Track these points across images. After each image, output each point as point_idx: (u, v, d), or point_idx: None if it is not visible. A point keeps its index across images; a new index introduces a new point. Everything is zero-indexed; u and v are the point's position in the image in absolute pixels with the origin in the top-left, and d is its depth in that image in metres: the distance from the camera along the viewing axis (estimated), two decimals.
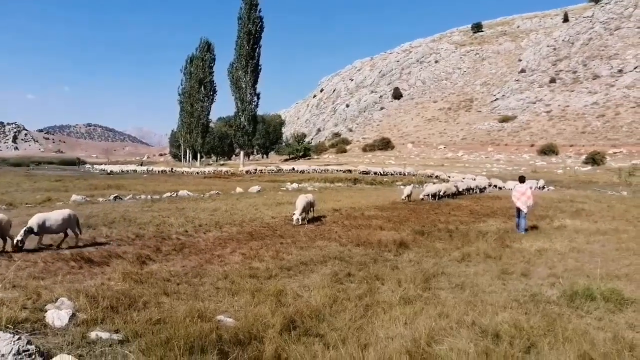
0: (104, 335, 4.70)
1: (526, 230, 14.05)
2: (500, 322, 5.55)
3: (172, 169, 62.81)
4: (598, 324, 5.91)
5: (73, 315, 5.17)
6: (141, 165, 68.98)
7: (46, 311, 5.28)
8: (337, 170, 55.96)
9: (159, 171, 60.74)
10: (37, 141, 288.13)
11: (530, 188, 15.63)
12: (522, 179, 15.41)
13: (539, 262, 9.78)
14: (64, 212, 10.51)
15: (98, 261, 8.80)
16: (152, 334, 4.73)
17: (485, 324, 5.45)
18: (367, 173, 52.80)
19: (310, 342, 4.82)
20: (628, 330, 5.64)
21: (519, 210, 14.24)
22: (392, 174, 51.60)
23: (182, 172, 59.55)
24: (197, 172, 58.80)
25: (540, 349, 4.80)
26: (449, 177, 40.29)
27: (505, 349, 4.62)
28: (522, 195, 14.19)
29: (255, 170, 59.05)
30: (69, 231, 10.62)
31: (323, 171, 56.33)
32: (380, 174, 51.65)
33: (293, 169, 60.12)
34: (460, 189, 28.01)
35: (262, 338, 4.79)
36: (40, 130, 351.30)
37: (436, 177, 44.83)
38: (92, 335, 4.70)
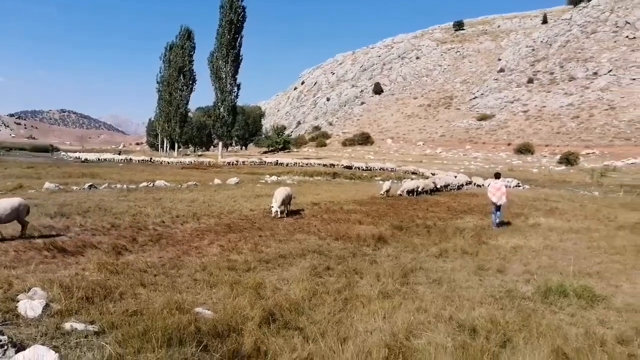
0: (79, 326, 4.60)
1: (498, 225, 14.51)
2: (477, 317, 5.65)
3: (151, 158, 61.73)
4: (571, 319, 6.06)
5: (47, 306, 5.05)
6: (119, 154, 67.47)
7: (18, 301, 5.14)
8: (318, 164, 55.91)
9: (138, 160, 59.63)
10: (7, 126, 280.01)
11: (506, 186, 16.24)
12: (497, 176, 16.03)
13: (514, 259, 9.98)
14: (14, 201, 9.87)
15: (72, 251, 8.61)
16: (129, 326, 4.66)
17: (463, 319, 5.54)
18: (350, 167, 52.94)
19: (290, 335, 4.82)
20: (599, 326, 5.81)
21: (495, 205, 14.76)
22: (375, 169, 51.86)
23: (160, 162, 58.71)
24: (175, 162, 58.08)
25: (515, 344, 4.90)
26: (432, 174, 40.64)
27: (482, 344, 4.70)
28: (497, 191, 14.82)
29: (237, 162, 58.67)
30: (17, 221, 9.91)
31: (306, 165, 56.27)
32: (363, 169, 51.87)
33: (277, 161, 59.72)
34: (439, 186, 28.36)
35: (241, 330, 4.77)
36: (12, 115, 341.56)
37: (420, 173, 45.21)
38: (67, 326, 4.60)
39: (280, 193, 14.86)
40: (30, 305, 4.97)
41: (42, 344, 3.89)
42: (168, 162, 58.01)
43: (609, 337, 5.32)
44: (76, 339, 4.30)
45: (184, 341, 4.36)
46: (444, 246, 10.89)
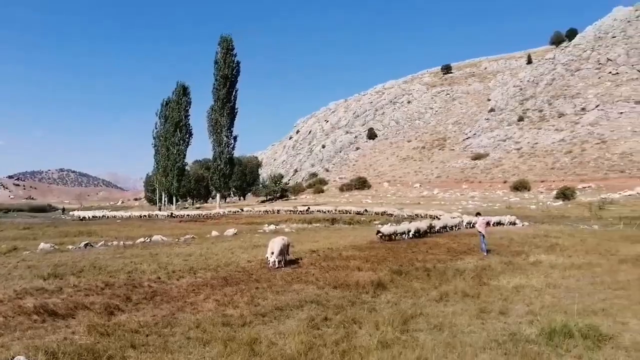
0: None
1: (488, 251, 17.84)
2: None
3: (148, 214, 61.56)
4: None
5: None
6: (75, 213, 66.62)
7: None
8: (318, 211, 55.67)
9: (140, 216, 59.49)
10: (6, 188, 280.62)
11: (489, 223, 22.74)
12: (478, 214, 21.70)
13: (516, 299, 9.74)
14: None
15: (63, 313, 8.36)
16: None
17: None
18: (348, 212, 52.66)
19: None
20: None
21: (482, 235, 18.35)
22: (373, 213, 51.58)
23: (157, 216, 58.61)
24: (173, 216, 57.90)
25: None
26: (438, 216, 39.57)
27: None
28: (481, 224, 18.72)
29: (235, 211, 58.51)
30: None
31: (305, 212, 56.15)
32: (361, 213, 51.61)
33: (278, 211, 59.53)
34: (437, 228, 28.20)
35: None
36: (10, 177, 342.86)
37: (422, 215, 44.50)
38: None
39: (276, 243, 14.68)
40: None
41: None
42: (165, 216, 57.89)
43: None
44: None
45: None
46: (444, 289, 10.65)
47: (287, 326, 7.55)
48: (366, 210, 53.10)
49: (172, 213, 60.92)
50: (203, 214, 60.39)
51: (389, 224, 31.48)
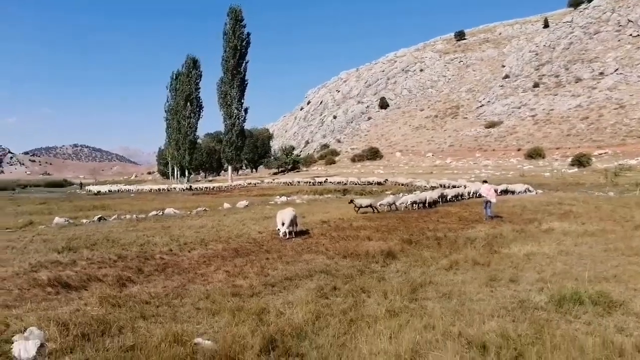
0: None
1: (492, 217, 18.53)
2: (487, 332, 5.41)
3: (167, 188, 61.88)
4: (587, 328, 5.78)
5: (42, 346, 4.92)
6: (80, 187, 67.37)
7: (12, 343, 5.03)
8: (331, 182, 55.80)
9: (158, 189, 59.87)
10: (23, 164, 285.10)
11: (496, 190, 22.27)
12: (484, 182, 21.60)
13: (527, 267, 9.68)
14: None
15: (76, 285, 8.53)
16: None
17: (472, 335, 5.30)
18: (359, 184, 52.67)
19: None
20: (617, 334, 5.52)
21: (487, 202, 19.10)
22: (385, 184, 51.46)
23: (170, 189, 59.15)
24: (191, 189, 58.43)
25: (527, 359, 4.65)
26: (458, 185, 38.81)
27: None
28: (488, 192, 19.28)
29: (247, 184, 58.81)
30: None
31: (317, 183, 56.35)
32: (375, 184, 51.56)
33: (287, 181, 59.77)
34: (449, 197, 28.05)
35: None
36: (26, 153, 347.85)
37: (438, 185, 44.09)
38: None
39: (286, 214, 14.72)
40: (24, 347, 4.84)
41: None
42: (183, 189, 58.38)
43: (627, 346, 5.04)
44: None
45: None
46: (454, 258, 10.61)
47: (295, 296, 7.60)
48: (384, 181, 53.00)
49: (190, 186, 61.35)
50: (215, 186, 60.87)
51: (401, 193, 31.38)
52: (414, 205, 23.89)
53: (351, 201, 22.91)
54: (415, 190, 33.93)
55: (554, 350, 4.82)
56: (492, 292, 7.72)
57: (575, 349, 4.86)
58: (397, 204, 23.81)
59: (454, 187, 34.71)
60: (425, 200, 24.53)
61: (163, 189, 59.90)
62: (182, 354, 4.64)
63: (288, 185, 58.78)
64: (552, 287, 7.72)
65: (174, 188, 60.03)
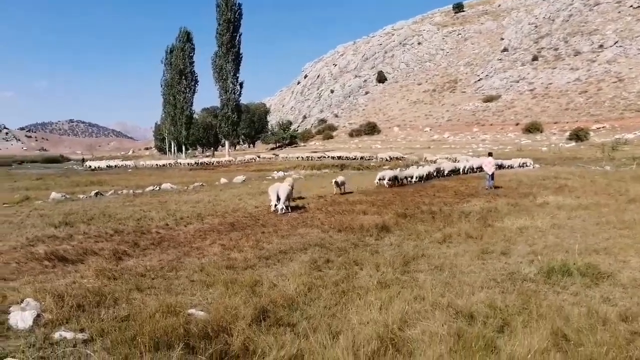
0: (68, 335, 4.56)
1: (492, 187, 20.11)
2: (476, 303, 5.53)
3: (169, 163, 61.43)
4: (574, 299, 5.91)
5: (38, 316, 5.02)
6: (83, 161, 66.80)
7: (9, 313, 5.12)
8: (329, 157, 55.90)
9: (163, 165, 59.29)
10: (19, 140, 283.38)
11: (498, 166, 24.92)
12: (490, 154, 22.69)
13: (519, 240, 9.80)
14: None
15: (73, 259, 8.61)
16: (119, 332, 4.61)
17: (460, 305, 5.41)
18: (356, 158, 52.73)
19: (281, 332, 4.74)
20: (603, 304, 5.64)
21: (489, 174, 20.71)
22: (382, 158, 51.52)
23: (179, 164, 58.96)
24: (183, 164, 58.36)
25: (513, 328, 4.77)
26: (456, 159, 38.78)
27: (478, 330, 4.58)
28: (489, 164, 20.98)
29: (245, 159, 58.78)
30: None
31: (315, 158, 56.46)
32: (370, 159, 51.65)
33: (284, 157, 59.80)
34: (447, 171, 28.17)
35: (230, 330, 4.70)
36: (22, 129, 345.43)
37: (431, 161, 43.98)
38: (56, 335, 4.56)
39: (282, 189, 14.77)
40: (21, 317, 4.94)
41: (27, 356, 3.84)
42: (187, 164, 58.22)
43: (612, 315, 5.17)
44: (63, 348, 4.26)
45: (172, 344, 4.30)
46: (448, 231, 10.72)
47: (289, 268, 7.71)
48: (375, 156, 52.99)
49: (197, 161, 60.97)
50: (213, 161, 60.82)
51: (399, 168, 31.42)
52: (421, 180, 24.20)
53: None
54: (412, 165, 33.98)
55: (540, 319, 4.93)
56: (483, 265, 7.84)
57: (560, 318, 4.98)
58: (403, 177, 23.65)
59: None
60: (425, 174, 24.88)
61: (167, 164, 59.50)
62: (176, 323, 4.73)
63: (285, 160, 58.81)
64: (542, 259, 7.84)
65: (179, 163, 59.80)
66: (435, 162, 34.43)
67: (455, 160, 35.89)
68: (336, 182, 19.52)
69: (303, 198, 18.02)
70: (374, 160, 51.36)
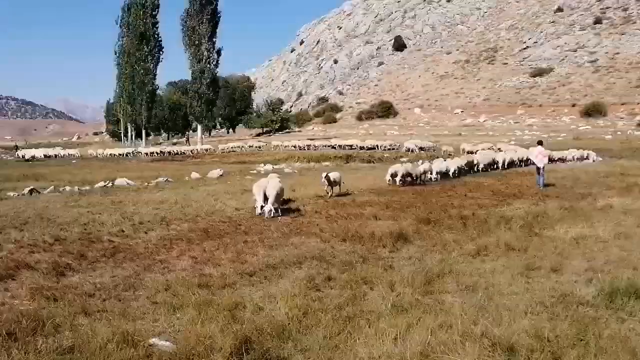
0: None
1: (545, 186, 20.51)
2: (518, 332, 5.57)
3: (127, 153, 61.02)
4: None
5: None
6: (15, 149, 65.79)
7: None
8: (330, 147, 56.02)
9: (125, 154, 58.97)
10: None
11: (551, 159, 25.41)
12: (540, 142, 23.11)
13: (574, 254, 9.85)
14: None
15: (1, 274, 8.64)
16: None
17: (498, 335, 5.46)
18: (366, 148, 52.83)
19: None
20: None
21: (538, 168, 21.10)
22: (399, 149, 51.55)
23: (139, 153, 58.78)
24: (142, 154, 58.45)
25: None
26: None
27: None
28: (539, 154, 21.25)
29: (227, 148, 58.92)
30: None
31: (313, 147, 56.67)
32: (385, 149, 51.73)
33: (274, 145, 59.96)
34: (482, 165, 28.25)
35: None
36: None
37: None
38: None
39: (270, 186, 14.80)
40: None
41: None
42: (133, 154, 58.14)
43: None
44: None
45: None
46: (483, 242, 10.80)
47: (279, 287, 7.76)
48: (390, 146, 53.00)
49: (161, 150, 60.47)
50: (182, 150, 60.96)
51: (421, 161, 31.48)
52: (448, 175, 24.91)
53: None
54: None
55: (599, 354, 4.98)
56: (528, 284, 7.89)
57: (625, 352, 5.02)
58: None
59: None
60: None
61: (123, 154, 59.31)
62: (134, 356, 4.78)
63: (275, 149, 58.95)
64: (603, 277, 7.89)
65: (139, 153, 59.75)
66: (475, 153, 34.14)
67: (500, 151, 35.67)
68: (327, 178, 18.50)
69: (297, 199, 18.06)
70: (395, 150, 51.38)
